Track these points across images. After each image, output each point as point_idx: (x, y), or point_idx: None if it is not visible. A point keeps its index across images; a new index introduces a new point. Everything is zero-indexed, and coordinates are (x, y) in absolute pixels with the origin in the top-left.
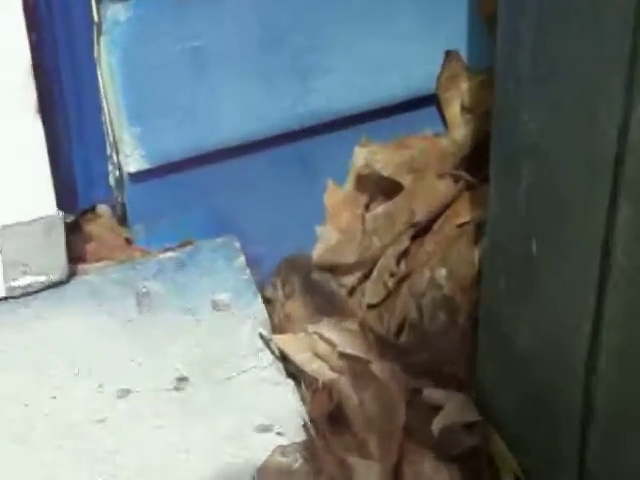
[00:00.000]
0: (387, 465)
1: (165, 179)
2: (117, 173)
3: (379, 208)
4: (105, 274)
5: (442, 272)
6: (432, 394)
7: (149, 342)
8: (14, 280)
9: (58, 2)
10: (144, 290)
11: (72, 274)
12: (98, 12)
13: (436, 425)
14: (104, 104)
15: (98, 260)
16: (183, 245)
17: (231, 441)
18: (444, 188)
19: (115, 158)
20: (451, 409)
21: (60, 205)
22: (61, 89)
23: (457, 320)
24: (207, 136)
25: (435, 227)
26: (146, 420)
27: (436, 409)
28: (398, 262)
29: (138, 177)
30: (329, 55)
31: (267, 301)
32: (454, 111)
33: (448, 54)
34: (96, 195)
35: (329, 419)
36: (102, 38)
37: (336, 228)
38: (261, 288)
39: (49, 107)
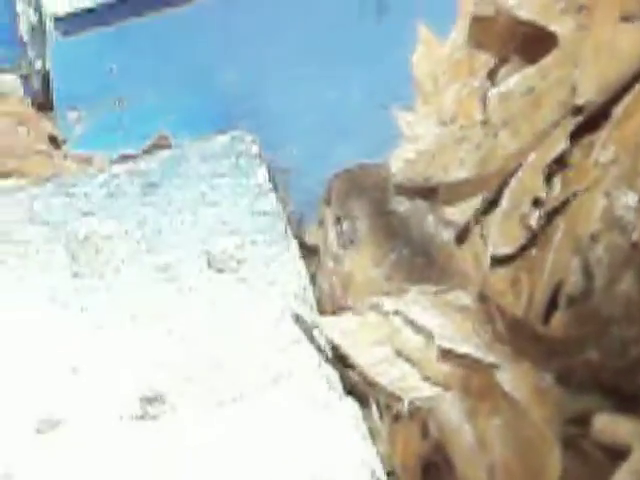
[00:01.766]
0: None
1: (121, 28)
2: (34, 17)
3: (513, 78)
4: (12, 207)
5: (630, 199)
6: (611, 426)
7: (95, 332)
8: None
9: None
10: (84, 234)
11: None
12: None
13: None
14: None
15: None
16: (154, 147)
17: None
18: (632, 42)
19: None
20: None
21: None
22: None
23: None
24: None
25: (617, 114)
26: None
27: (618, 454)
28: (549, 179)
29: (70, 24)
30: None
31: (308, 252)
32: None
33: None
34: None
35: (423, 472)
36: None
37: (434, 116)
38: (297, 228)
39: None
